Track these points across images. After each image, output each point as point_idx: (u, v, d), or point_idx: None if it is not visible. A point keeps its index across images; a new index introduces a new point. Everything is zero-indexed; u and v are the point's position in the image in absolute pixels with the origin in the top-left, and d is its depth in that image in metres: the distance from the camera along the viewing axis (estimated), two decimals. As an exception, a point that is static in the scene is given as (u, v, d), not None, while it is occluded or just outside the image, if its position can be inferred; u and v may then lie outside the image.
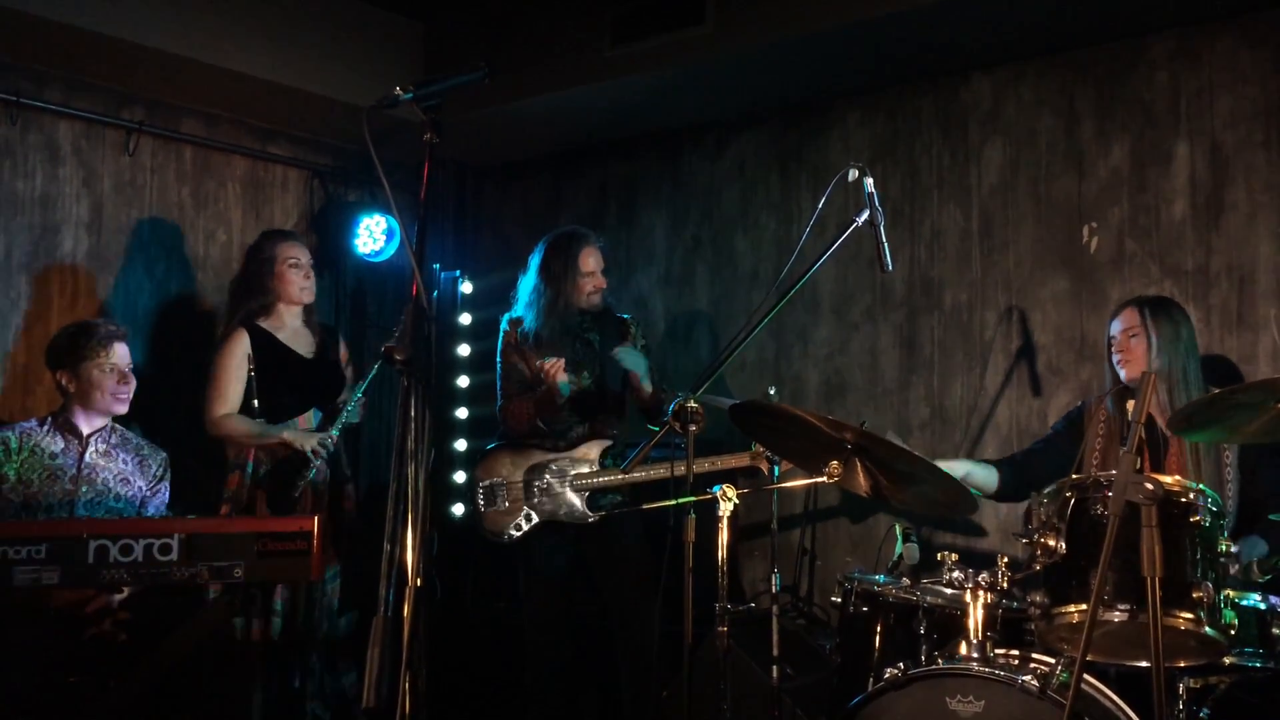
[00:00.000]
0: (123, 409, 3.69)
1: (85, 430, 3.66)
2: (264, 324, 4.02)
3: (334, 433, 3.89)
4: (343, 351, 4.25)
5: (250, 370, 3.93)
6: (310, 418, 4.03)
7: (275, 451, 3.91)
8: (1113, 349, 3.40)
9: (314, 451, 3.83)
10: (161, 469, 3.81)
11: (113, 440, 3.72)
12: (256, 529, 3.04)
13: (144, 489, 3.72)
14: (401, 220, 2.72)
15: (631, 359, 3.85)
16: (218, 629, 3.24)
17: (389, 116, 3.83)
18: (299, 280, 4.04)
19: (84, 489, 3.59)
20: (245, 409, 3.94)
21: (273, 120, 4.98)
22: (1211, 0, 3.79)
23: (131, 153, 4.63)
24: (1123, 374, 3.36)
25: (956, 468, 3.37)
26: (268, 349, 3.99)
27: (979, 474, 3.47)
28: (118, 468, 3.70)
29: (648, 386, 3.87)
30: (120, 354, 3.65)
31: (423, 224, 1.97)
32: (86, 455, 3.63)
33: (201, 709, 3.36)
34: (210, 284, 4.87)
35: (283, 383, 3.99)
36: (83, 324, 3.74)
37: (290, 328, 4.08)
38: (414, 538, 1.76)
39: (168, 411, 4.33)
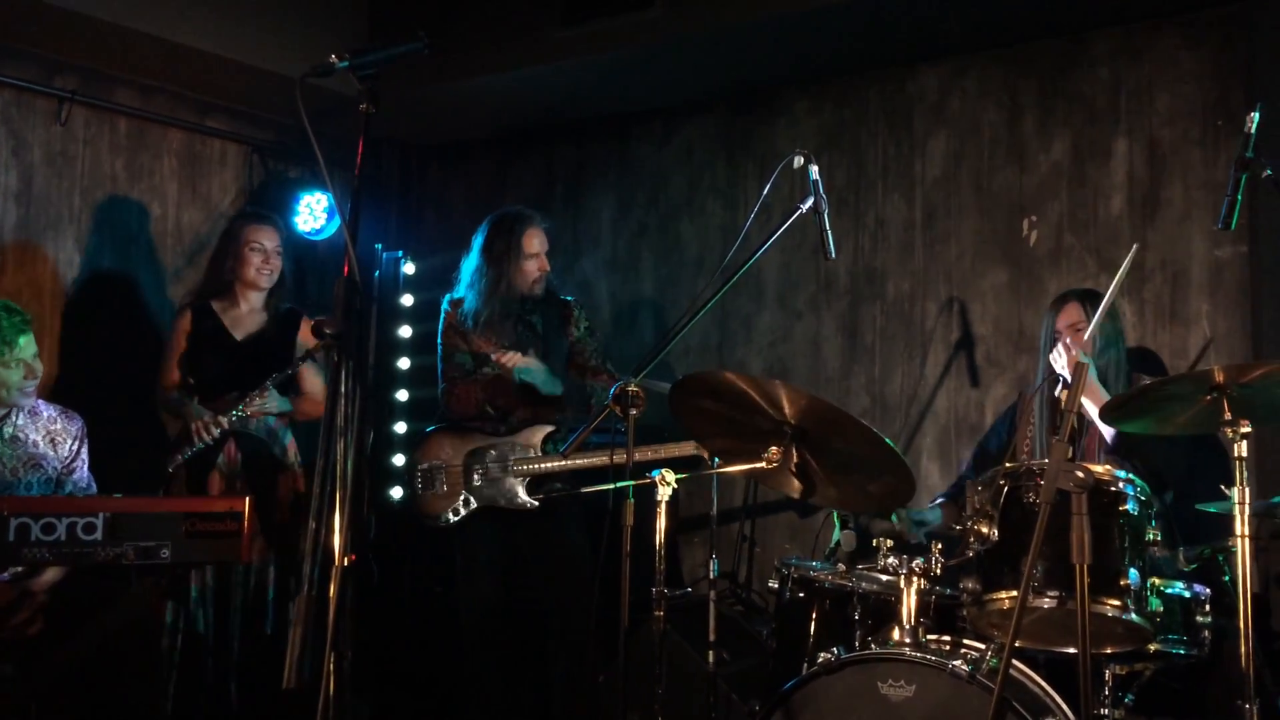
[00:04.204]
0: (30, 402, 3.50)
1: None
2: (216, 303, 4.09)
3: (233, 415, 3.85)
4: (304, 328, 4.19)
5: (186, 347, 4.05)
6: (235, 399, 4.00)
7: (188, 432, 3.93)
8: (1057, 342, 3.43)
9: (196, 431, 3.84)
10: (76, 440, 3.62)
11: (18, 422, 3.50)
12: (184, 509, 2.98)
13: (58, 467, 3.58)
14: (340, 196, 2.67)
15: (528, 374, 3.81)
16: (142, 614, 3.16)
17: (332, 93, 3.81)
18: (257, 263, 4.07)
19: None
20: (182, 384, 4.05)
21: (211, 93, 4.86)
22: (1152, -1, 3.85)
23: (63, 122, 4.50)
24: (1064, 363, 3.40)
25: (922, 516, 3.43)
26: (207, 328, 4.06)
27: (929, 517, 3.51)
28: (26, 453, 3.49)
29: (554, 391, 3.83)
30: (26, 348, 3.40)
31: (356, 197, 1.93)
32: None
33: (119, 695, 3.27)
34: (143, 259, 4.76)
35: (213, 362, 4.02)
36: None
37: (244, 309, 4.11)
38: (341, 516, 1.72)
39: (94, 387, 4.23)
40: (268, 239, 4.08)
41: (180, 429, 4.00)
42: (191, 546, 2.98)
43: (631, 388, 2.94)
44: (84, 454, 3.65)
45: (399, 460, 4.88)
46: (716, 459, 3.51)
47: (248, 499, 3.00)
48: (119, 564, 2.94)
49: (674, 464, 3.34)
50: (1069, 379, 3.39)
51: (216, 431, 3.86)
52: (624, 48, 4.36)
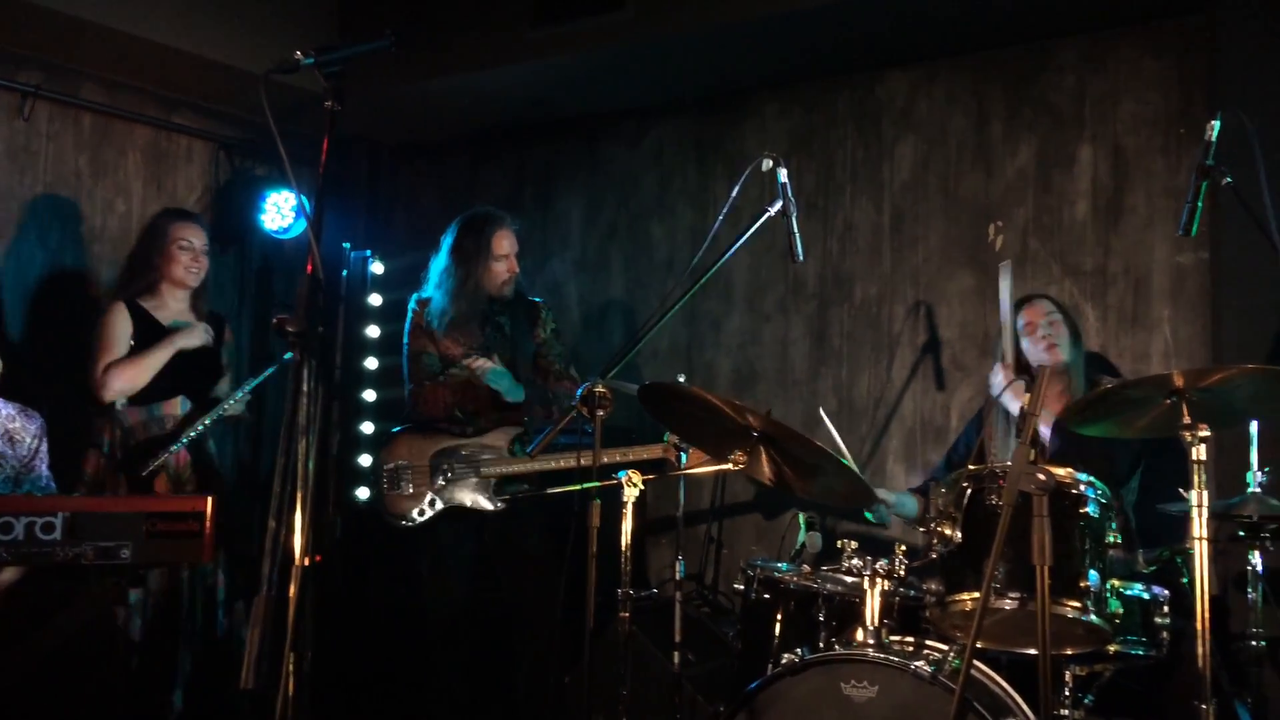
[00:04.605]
0: None
1: None
2: (145, 303, 3.95)
3: (205, 421, 3.82)
4: (227, 334, 4.16)
5: (131, 345, 3.87)
6: (178, 404, 3.94)
7: (133, 432, 3.83)
8: (1028, 334, 3.49)
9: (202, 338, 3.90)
10: (36, 438, 3.57)
11: None
12: (146, 509, 2.93)
13: (17, 465, 3.53)
14: (306, 194, 2.64)
15: (495, 379, 3.81)
16: (100, 616, 3.12)
17: (301, 91, 3.77)
18: (186, 261, 3.96)
19: None
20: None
21: (178, 89, 4.82)
22: (1118, 7, 3.89)
23: (26, 118, 4.45)
24: (1047, 357, 3.46)
25: (884, 495, 3.46)
26: (147, 329, 3.92)
27: (907, 503, 3.54)
28: None
29: (517, 398, 3.84)
30: None
31: (320, 195, 1.92)
32: None
33: (77, 697, 3.23)
34: (107, 256, 4.71)
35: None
36: None
37: (173, 310, 4.00)
38: (303, 516, 1.71)
39: (54, 385, 4.17)
40: (196, 237, 3.98)
41: (97, 430, 3.82)
42: (152, 547, 2.93)
43: (599, 389, 2.94)
44: (43, 452, 3.60)
45: (366, 460, 4.86)
46: (684, 454, 3.53)
47: (210, 499, 2.96)
48: (78, 564, 2.90)
49: (642, 466, 3.35)
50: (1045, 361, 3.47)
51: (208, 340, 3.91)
52: (595, 49, 4.36)
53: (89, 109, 4.65)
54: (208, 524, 2.94)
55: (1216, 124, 2.72)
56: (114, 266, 4.67)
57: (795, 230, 3.09)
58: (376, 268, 5.03)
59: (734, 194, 3.15)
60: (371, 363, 4.98)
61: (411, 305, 3.97)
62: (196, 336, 3.92)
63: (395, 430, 3.96)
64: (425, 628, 3.94)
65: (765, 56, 4.39)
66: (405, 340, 3.97)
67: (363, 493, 4.80)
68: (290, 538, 1.71)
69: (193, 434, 3.79)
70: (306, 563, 1.72)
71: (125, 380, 3.82)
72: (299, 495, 1.72)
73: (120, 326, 3.87)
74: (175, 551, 2.96)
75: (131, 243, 4.66)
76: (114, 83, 4.69)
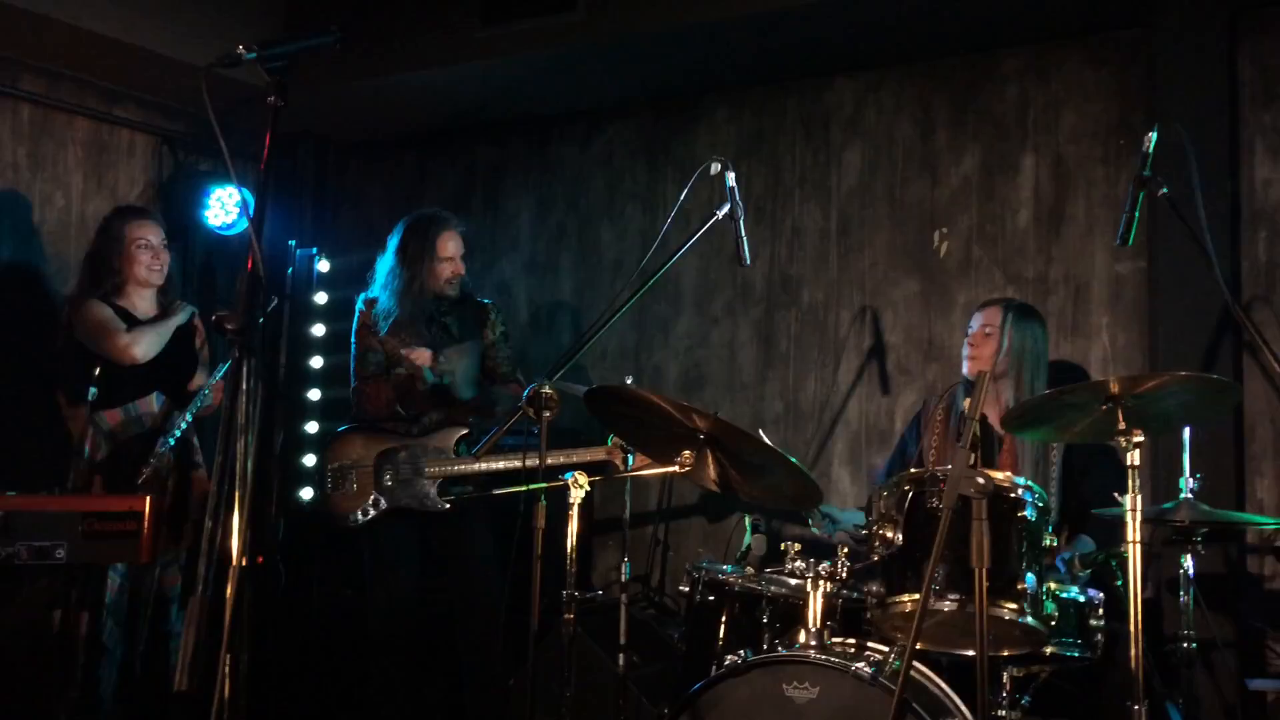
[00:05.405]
0: None
1: None
2: (120, 303, 3.90)
3: (188, 416, 3.78)
4: (199, 332, 4.10)
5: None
6: (153, 400, 3.87)
7: (115, 434, 3.76)
8: (967, 341, 3.52)
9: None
10: None
11: None
12: (82, 508, 2.89)
13: None
14: (251, 189, 2.61)
15: (445, 378, 3.80)
16: (36, 617, 3.06)
17: (247, 85, 3.72)
18: (147, 261, 3.91)
19: None
20: (80, 390, 3.73)
21: (120, 81, 4.74)
22: (1060, 20, 3.97)
23: (-39, 107, 4.35)
24: (966, 367, 3.49)
25: (832, 513, 3.47)
26: (132, 323, 3.85)
27: (856, 518, 3.54)
28: None
29: (467, 395, 3.83)
30: None
31: (262, 192, 1.90)
32: None
33: (10, 701, 3.16)
34: (47, 250, 4.61)
35: (128, 365, 3.81)
36: None
37: (141, 310, 3.95)
38: (240, 515, 1.69)
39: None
40: (153, 234, 3.93)
41: (79, 437, 3.73)
42: (89, 547, 2.90)
43: (546, 390, 2.94)
44: None
45: (310, 460, 4.80)
46: (631, 457, 3.54)
47: (147, 498, 2.92)
48: (11, 564, 2.85)
49: (587, 468, 3.34)
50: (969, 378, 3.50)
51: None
52: (545, 49, 4.35)
53: (28, 100, 4.56)
54: (146, 523, 2.90)
55: (1153, 136, 2.78)
56: (55, 260, 4.58)
57: (743, 234, 3.11)
58: (322, 266, 4.98)
59: (683, 197, 3.17)
60: (316, 361, 4.92)
61: (359, 305, 3.94)
62: (184, 313, 3.97)
63: (340, 430, 3.93)
64: (369, 628, 3.91)
65: (716, 61, 4.41)
66: (353, 339, 3.94)
67: (306, 493, 4.75)
68: (227, 538, 1.69)
69: (177, 432, 3.74)
70: (244, 563, 1.70)
71: (148, 341, 3.81)
72: (237, 495, 1.70)
73: (108, 311, 3.82)
74: (113, 551, 2.93)
75: (72, 236, 4.59)
76: (54, 73, 4.60)
